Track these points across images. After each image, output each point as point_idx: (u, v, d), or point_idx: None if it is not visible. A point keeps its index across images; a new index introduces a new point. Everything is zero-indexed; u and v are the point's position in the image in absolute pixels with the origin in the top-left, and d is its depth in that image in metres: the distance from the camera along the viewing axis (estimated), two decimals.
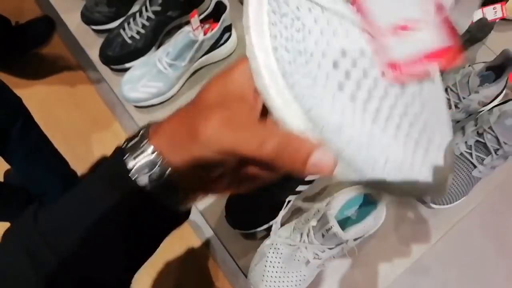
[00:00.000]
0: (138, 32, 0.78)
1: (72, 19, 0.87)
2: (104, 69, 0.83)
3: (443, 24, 0.19)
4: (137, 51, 0.79)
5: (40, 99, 1.42)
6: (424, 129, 0.21)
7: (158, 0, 0.77)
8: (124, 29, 0.79)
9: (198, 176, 0.25)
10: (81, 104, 1.43)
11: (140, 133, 0.26)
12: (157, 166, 0.24)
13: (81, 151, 1.35)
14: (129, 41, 0.78)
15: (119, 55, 0.78)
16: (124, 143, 0.26)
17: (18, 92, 0.94)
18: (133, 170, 0.24)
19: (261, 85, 0.21)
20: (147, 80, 0.76)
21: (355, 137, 0.20)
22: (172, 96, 0.79)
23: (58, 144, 1.06)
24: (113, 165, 0.26)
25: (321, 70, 0.20)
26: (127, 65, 0.80)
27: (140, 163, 0.24)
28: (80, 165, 1.24)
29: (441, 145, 0.21)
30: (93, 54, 0.83)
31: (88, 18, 0.82)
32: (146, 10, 0.78)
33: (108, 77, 0.83)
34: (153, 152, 0.24)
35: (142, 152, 0.25)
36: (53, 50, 1.49)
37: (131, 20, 0.79)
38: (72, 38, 0.86)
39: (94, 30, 0.85)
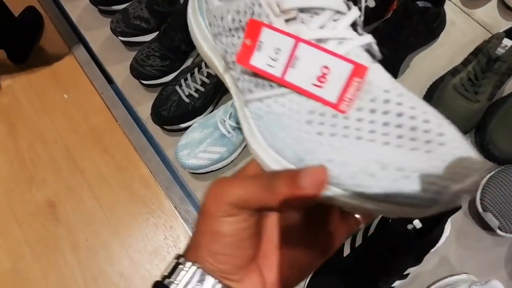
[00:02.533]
0: (196, 90, 0.70)
1: (118, 72, 0.79)
2: (153, 126, 0.74)
3: (341, 58, 0.24)
4: (195, 110, 0.71)
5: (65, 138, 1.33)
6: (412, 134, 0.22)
7: None
8: (180, 86, 0.70)
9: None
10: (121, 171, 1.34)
11: (176, 261, 0.26)
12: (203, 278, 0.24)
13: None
14: (186, 99, 0.70)
15: (174, 115, 0.70)
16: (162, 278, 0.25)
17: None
18: None
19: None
20: (208, 144, 0.67)
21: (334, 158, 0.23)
22: (232, 161, 0.70)
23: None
24: None
25: (299, 132, 0.24)
26: (183, 125, 0.71)
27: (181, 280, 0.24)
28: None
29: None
30: (142, 111, 0.75)
31: (138, 72, 0.74)
32: (206, 66, 0.70)
33: (159, 136, 0.74)
34: (192, 266, 0.24)
35: (183, 272, 0.24)
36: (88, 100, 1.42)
37: (188, 76, 0.71)
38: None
39: (144, 85, 0.77)
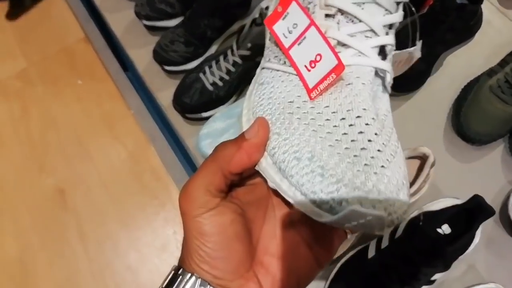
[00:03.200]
0: (221, 78, 0.67)
1: (140, 57, 0.76)
2: (174, 114, 0.72)
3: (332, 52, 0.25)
4: (218, 99, 0.68)
5: (74, 124, 1.31)
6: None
7: (247, 43, 0.66)
8: (204, 73, 0.68)
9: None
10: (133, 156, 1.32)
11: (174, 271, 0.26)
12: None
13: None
14: (210, 87, 0.67)
15: (197, 103, 0.67)
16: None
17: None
18: None
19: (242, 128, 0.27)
20: (231, 135, 0.64)
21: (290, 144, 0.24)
22: None
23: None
24: None
25: (279, 105, 0.26)
26: (204, 114, 0.69)
27: None
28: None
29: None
30: (163, 98, 0.73)
31: (162, 57, 0.72)
32: (233, 54, 0.67)
33: (179, 125, 0.72)
34: (191, 276, 0.24)
35: (182, 283, 0.24)
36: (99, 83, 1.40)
37: (214, 63, 0.68)
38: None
39: (166, 71, 0.74)
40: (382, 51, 0.27)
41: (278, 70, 0.28)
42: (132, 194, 1.22)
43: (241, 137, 0.25)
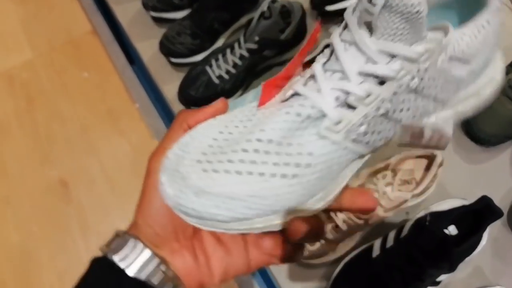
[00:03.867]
0: (227, 72, 0.67)
1: (146, 49, 0.76)
2: (179, 107, 0.71)
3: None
4: (224, 93, 0.67)
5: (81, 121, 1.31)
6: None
7: (255, 37, 0.65)
8: (211, 66, 0.67)
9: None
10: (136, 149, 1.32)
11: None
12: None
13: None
14: (216, 80, 0.67)
15: (202, 96, 0.67)
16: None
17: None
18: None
19: None
20: None
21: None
22: None
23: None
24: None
25: None
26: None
27: (122, 256, 0.26)
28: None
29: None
30: (168, 90, 0.72)
31: (168, 49, 0.71)
32: (240, 47, 0.66)
33: None
34: (127, 236, 0.27)
35: (120, 245, 0.26)
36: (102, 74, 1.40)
37: (220, 56, 0.67)
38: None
39: (172, 63, 0.74)
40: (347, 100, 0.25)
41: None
42: (135, 188, 1.22)
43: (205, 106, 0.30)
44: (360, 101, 0.25)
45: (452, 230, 0.57)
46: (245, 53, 0.66)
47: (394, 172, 0.62)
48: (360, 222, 0.57)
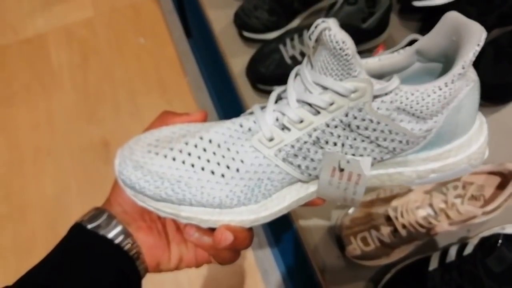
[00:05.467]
0: (302, 53, 0.64)
1: (219, 19, 0.74)
2: (243, 83, 0.69)
3: None
4: None
5: (129, 87, 1.31)
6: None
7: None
8: (285, 45, 0.65)
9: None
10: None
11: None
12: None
13: None
14: (288, 60, 0.64)
15: (272, 74, 0.64)
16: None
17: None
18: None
19: None
20: None
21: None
22: None
23: None
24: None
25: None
26: (276, 87, 0.66)
27: (94, 223, 0.31)
28: None
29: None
30: (235, 64, 0.70)
31: (243, 21, 0.69)
32: None
33: (247, 94, 0.69)
34: (101, 210, 0.32)
35: (94, 217, 0.32)
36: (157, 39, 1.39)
37: (296, 36, 0.65)
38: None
39: (244, 37, 0.71)
40: (280, 120, 0.29)
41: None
42: None
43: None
44: (293, 124, 0.28)
45: None
46: None
47: (465, 185, 0.58)
48: (422, 230, 0.54)
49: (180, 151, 0.29)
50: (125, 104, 1.32)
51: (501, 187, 0.58)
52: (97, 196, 1.15)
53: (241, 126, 0.29)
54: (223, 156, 0.29)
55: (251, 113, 0.30)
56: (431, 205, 0.55)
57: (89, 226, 0.30)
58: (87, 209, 1.06)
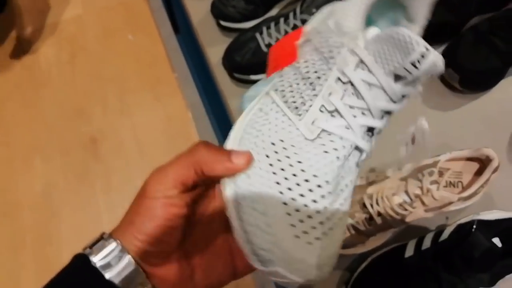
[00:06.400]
0: (277, 40, 0.63)
1: (197, 9, 0.73)
2: (220, 73, 0.69)
3: None
4: None
5: (119, 84, 1.31)
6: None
7: (312, 9, 0.61)
8: (261, 34, 0.64)
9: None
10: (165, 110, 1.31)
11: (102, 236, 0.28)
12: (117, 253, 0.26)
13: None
14: (264, 49, 0.63)
15: (248, 63, 0.64)
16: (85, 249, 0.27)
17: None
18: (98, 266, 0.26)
19: (228, 138, 0.31)
20: None
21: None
22: None
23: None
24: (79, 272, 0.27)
25: (263, 143, 0.28)
26: (253, 77, 0.65)
27: (103, 258, 0.26)
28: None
29: None
30: (212, 54, 0.69)
31: (220, 11, 0.68)
32: (295, 18, 0.63)
33: (224, 84, 0.68)
34: (113, 242, 0.26)
35: (103, 246, 0.26)
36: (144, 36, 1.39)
37: (272, 24, 0.64)
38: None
39: (222, 27, 0.71)
40: (370, 131, 0.28)
41: (278, 106, 0.29)
42: (163, 155, 1.21)
43: (227, 153, 0.28)
44: (378, 132, 0.29)
45: (496, 242, 0.52)
46: (299, 24, 0.62)
47: (441, 171, 0.57)
48: (397, 217, 0.53)
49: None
50: (114, 101, 1.31)
51: (478, 173, 0.57)
52: (85, 193, 1.14)
53: (338, 158, 0.28)
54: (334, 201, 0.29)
55: (322, 131, 0.28)
56: (406, 192, 0.54)
57: (97, 262, 0.26)
58: (75, 207, 1.05)
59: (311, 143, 0.27)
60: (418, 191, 0.54)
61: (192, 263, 0.30)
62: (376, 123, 0.28)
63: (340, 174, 0.27)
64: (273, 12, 0.71)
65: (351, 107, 0.27)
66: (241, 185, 0.27)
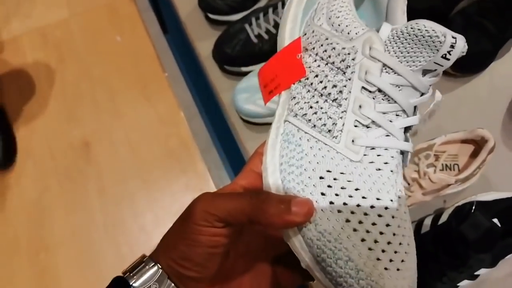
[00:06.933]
0: (267, 31, 0.63)
1: (184, 3, 0.73)
2: (211, 67, 0.68)
3: None
4: (261, 53, 0.63)
5: (110, 87, 1.30)
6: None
7: None
8: (250, 25, 0.63)
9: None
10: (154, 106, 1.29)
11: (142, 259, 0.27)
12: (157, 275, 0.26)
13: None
14: (254, 40, 0.63)
15: (238, 55, 0.63)
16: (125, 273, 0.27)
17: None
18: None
19: (266, 184, 0.27)
20: None
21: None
22: None
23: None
24: None
25: (311, 180, 0.26)
26: (244, 69, 0.65)
27: (144, 283, 0.25)
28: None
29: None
30: (202, 48, 0.68)
31: (208, 4, 0.68)
32: (283, 7, 0.62)
33: (215, 78, 0.67)
34: (154, 266, 0.26)
35: (144, 270, 0.26)
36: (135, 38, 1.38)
37: (261, 15, 0.64)
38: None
39: (210, 20, 0.70)
40: (407, 130, 0.27)
41: (308, 133, 0.27)
42: (155, 156, 1.20)
43: (288, 206, 0.24)
44: (414, 129, 0.30)
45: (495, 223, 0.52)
46: None
47: (437, 154, 0.57)
48: None
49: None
50: (105, 103, 1.30)
51: (474, 155, 0.57)
52: (79, 195, 1.13)
53: (391, 171, 0.27)
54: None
55: (367, 147, 0.27)
56: (403, 176, 0.54)
57: (136, 284, 0.26)
58: (69, 209, 1.04)
59: (360, 164, 0.26)
60: (415, 175, 0.54)
61: (237, 285, 0.29)
62: (413, 121, 0.27)
63: (397, 186, 0.26)
64: (262, 3, 0.70)
65: (384, 113, 0.26)
66: (311, 236, 0.25)
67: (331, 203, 0.25)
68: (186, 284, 0.26)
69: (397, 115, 0.26)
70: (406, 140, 0.27)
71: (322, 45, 0.28)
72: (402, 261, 0.24)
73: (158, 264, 0.26)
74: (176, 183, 1.18)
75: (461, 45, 0.24)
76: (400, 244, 0.24)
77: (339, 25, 0.28)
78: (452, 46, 0.24)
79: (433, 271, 0.49)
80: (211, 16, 0.69)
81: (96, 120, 1.27)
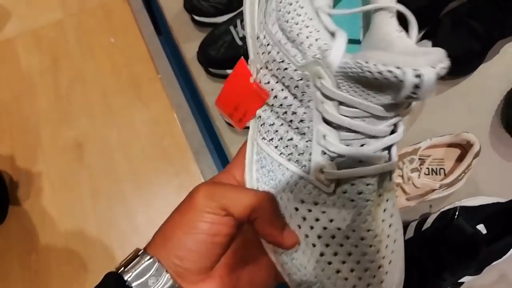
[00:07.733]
0: None
1: (170, 5, 0.72)
2: (196, 69, 0.67)
3: None
4: (246, 55, 0.62)
5: (102, 90, 1.29)
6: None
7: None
8: (235, 27, 0.63)
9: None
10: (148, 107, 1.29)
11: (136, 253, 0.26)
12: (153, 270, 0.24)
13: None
14: (239, 42, 0.62)
15: (223, 57, 0.62)
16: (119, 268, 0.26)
17: None
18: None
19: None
20: None
21: None
22: None
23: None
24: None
25: (287, 211, 0.25)
26: (229, 71, 0.64)
27: (139, 277, 0.24)
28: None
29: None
30: (187, 49, 0.68)
31: (193, 6, 0.67)
32: None
33: (200, 80, 0.67)
34: (149, 259, 0.25)
35: (139, 264, 0.25)
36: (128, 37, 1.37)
37: None
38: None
39: (196, 22, 0.70)
40: (388, 149, 0.23)
41: (277, 161, 0.26)
42: (148, 158, 1.19)
43: (281, 226, 0.25)
44: (396, 143, 0.26)
45: (480, 229, 0.51)
46: None
47: (422, 159, 0.56)
48: None
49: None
50: (98, 105, 1.29)
51: (460, 159, 0.56)
52: (71, 198, 1.12)
53: (368, 200, 0.25)
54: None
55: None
56: None
57: (132, 282, 0.24)
58: (62, 212, 1.03)
59: (333, 194, 0.23)
60: (398, 180, 0.53)
61: (236, 276, 0.28)
62: (391, 140, 0.23)
63: (378, 214, 0.24)
64: None
65: (354, 139, 0.23)
66: (288, 269, 0.25)
67: (306, 236, 0.24)
68: (183, 277, 0.25)
69: (368, 138, 0.23)
70: (388, 159, 0.23)
71: (274, 62, 0.25)
72: (382, 282, 0.24)
73: (154, 257, 0.25)
74: (169, 184, 1.18)
75: (431, 78, 0.18)
76: (379, 267, 0.24)
77: (289, 31, 0.23)
78: (417, 86, 0.18)
79: (415, 278, 0.48)
80: (196, 18, 0.68)
81: (89, 121, 1.26)
